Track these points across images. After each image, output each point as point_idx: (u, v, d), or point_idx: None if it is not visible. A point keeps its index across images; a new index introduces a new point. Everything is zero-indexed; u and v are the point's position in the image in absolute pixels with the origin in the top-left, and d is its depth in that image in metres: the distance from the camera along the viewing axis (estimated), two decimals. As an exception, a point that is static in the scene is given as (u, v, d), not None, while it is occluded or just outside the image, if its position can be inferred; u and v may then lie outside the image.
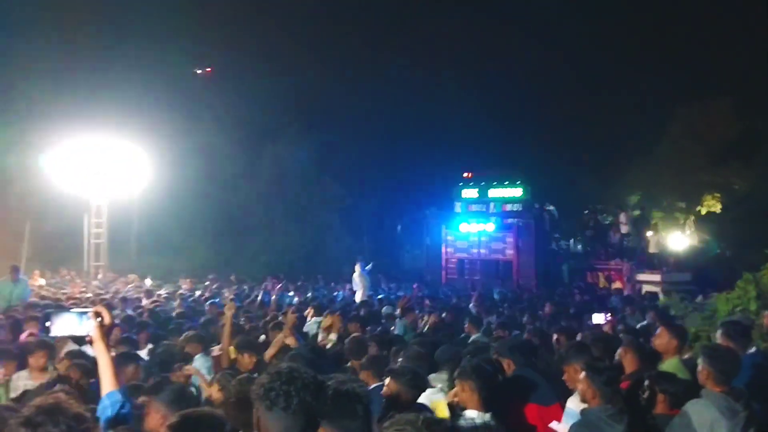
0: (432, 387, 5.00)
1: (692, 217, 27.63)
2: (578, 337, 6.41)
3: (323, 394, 2.63)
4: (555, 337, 6.76)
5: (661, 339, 5.28)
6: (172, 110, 29.45)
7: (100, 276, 20.57)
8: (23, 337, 7.28)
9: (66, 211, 22.84)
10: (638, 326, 8.89)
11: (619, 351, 5.19)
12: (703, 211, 27.99)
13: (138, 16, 30.71)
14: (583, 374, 4.27)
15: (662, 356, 5.24)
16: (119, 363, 5.73)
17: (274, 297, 12.50)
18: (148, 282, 18.28)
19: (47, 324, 3.30)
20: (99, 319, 3.16)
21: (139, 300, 12.80)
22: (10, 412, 3.19)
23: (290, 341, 6.56)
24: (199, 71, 25.39)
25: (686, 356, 5.48)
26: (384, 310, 11.10)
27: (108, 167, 20.51)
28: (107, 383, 3.14)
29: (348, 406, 2.81)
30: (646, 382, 4.52)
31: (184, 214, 28.84)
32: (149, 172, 22.73)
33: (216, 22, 32.23)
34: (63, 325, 3.28)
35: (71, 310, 3.69)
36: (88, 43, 28.21)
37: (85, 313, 3.24)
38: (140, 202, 25.85)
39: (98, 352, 3.16)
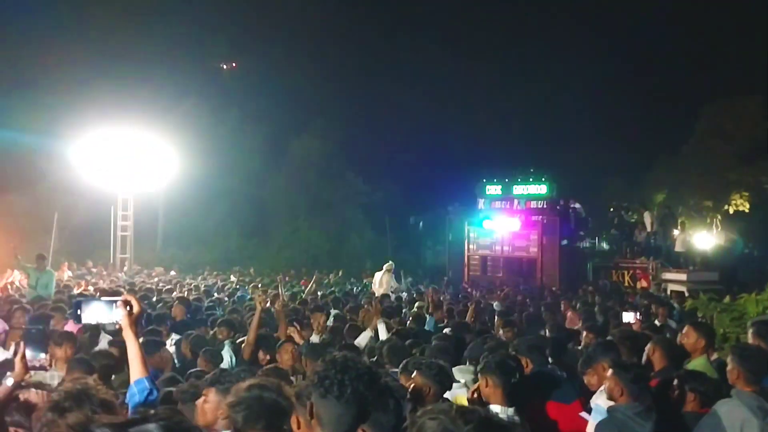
0: (456, 382, 5.02)
1: (719, 216, 27.29)
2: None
3: (376, 385, 2.65)
4: (584, 334, 6.72)
5: (689, 338, 5.23)
6: (199, 105, 29.71)
7: (125, 268, 20.81)
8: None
9: (93, 204, 23.16)
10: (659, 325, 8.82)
11: (648, 348, 5.15)
12: (731, 210, 27.60)
13: (167, 11, 31.00)
14: (610, 372, 4.24)
15: (689, 355, 5.19)
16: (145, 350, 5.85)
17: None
18: (173, 274, 18.46)
19: (78, 312, 3.32)
20: (128, 307, 3.21)
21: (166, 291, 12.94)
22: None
23: (297, 337, 6.60)
24: (225, 66, 25.58)
25: (714, 357, 5.42)
26: (417, 305, 11.08)
27: (135, 161, 20.72)
28: (136, 371, 3.18)
29: (380, 399, 2.82)
30: (676, 381, 4.48)
31: (209, 207, 29.13)
32: (175, 166, 22.93)
33: (243, 18, 32.42)
34: (93, 314, 3.33)
35: (101, 298, 3.73)
36: (117, 38, 28.53)
37: (115, 301, 3.29)
38: (166, 195, 26.12)
39: (128, 339, 3.21)
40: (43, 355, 3.52)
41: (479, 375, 4.42)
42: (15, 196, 24.04)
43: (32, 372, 3.43)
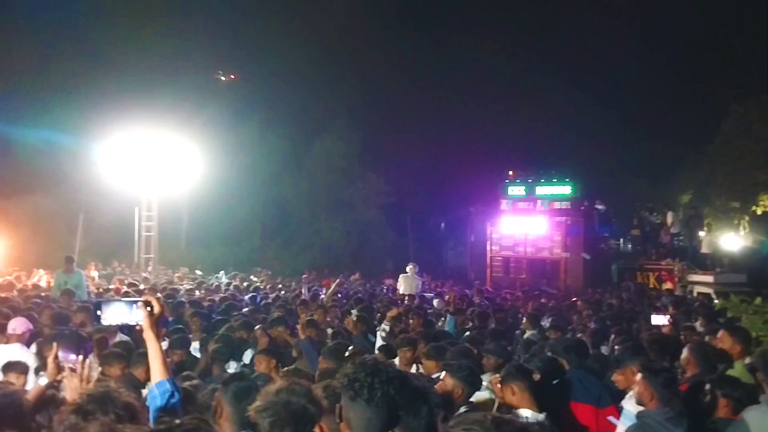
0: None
1: (747, 217, 26.89)
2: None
3: (406, 389, 2.61)
4: (612, 337, 6.64)
5: (724, 343, 5.12)
6: (222, 107, 29.90)
7: (150, 268, 20.97)
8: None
9: (118, 204, 23.35)
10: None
11: (684, 353, 5.03)
12: (759, 211, 27.16)
13: (192, 14, 31.23)
14: (639, 376, 4.16)
15: (723, 360, 5.07)
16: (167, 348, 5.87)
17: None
18: (198, 273, 18.57)
19: (98, 313, 3.31)
20: (149, 308, 3.19)
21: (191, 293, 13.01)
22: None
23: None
24: (223, 78, 25.74)
25: (747, 361, 5.30)
26: (436, 303, 11.03)
27: (160, 162, 20.86)
28: (157, 372, 3.15)
29: (413, 403, 2.78)
30: (707, 386, 4.38)
31: (232, 208, 29.30)
32: (199, 168, 23.07)
33: (265, 22, 32.54)
34: (114, 315, 3.32)
35: (121, 299, 3.73)
36: (142, 42, 28.78)
37: (136, 302, 3.27)
38: (190, 196, 26.29)
39: (148, 340, 3.19)
40: (73, 357, 3.52)
41: (502, 386, 4.35)
42: (41, 196, 24.38)
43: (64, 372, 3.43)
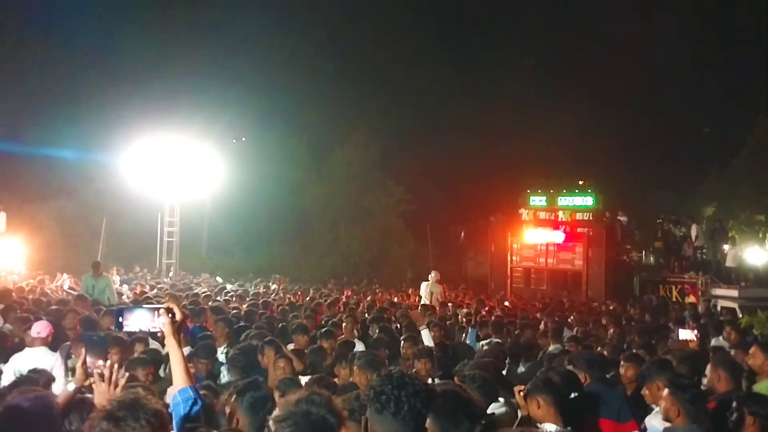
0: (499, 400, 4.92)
1: (772, 231, 26.54)
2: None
3: (433, 402, 2.60)
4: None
5: (756, 359, 5.02)
6: (244, 115, 30.13)
7: (171, 274, 21.12)
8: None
9: (141, 210, 23.59)
10: (713, 342, 8.56)
11: (709, 369, 4.94)
12: (785, 225, 26.80)
13: (216, 21, 31.56)
14: (666, 391, 4.09)
15: (756, 377, 4.98)
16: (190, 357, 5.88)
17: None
18: (219, 280, 18.66)
19: (120, 320, 3.30)
20: (171, 315, 3.18)
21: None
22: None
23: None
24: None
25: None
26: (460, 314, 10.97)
27: (182, 169, 21.05)
28: (180, 379, 3.14)
29: (454, 414, 2.78)
30: (735, 404, 4.30)
31: (253, 215, 29.47)
32: (221, 175, 23.24)
33: (287, 31, 32.78)
34: (136, 321, 3.31)
35: (144, 306, 3.73)
36: (165, 51, 29.11)
37: (158, 309, 3.27)
38: (212, 203, 26.48)
39: (170, 348, 3.18)
40: (101, 362, 3.53)
41: (527, 399, 4.30)
42: (64, 201, 24.69)
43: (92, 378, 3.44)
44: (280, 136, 30.99)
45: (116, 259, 21.25)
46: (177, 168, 20.92)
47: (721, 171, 28.63)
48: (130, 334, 5.63)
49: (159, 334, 3.43)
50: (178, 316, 3.20)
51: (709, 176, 29.02)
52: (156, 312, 3.29)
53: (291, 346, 7.15)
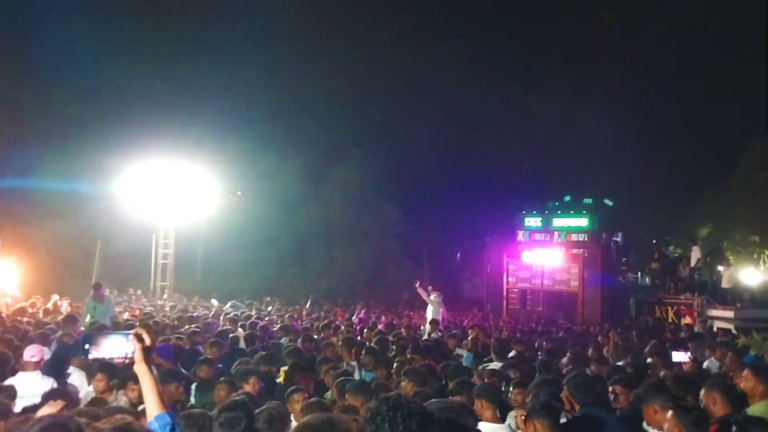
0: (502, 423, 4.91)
1: (766, 252, 26.55)
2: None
3: (429, 424, 2.61)
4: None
5: (747, 382, 5.01)
6: (239, 137, 30.21)
7: (165, 296, 21.03)
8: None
9: (135, 232, 23.55)
10: (705, 364, 8.53)
11: (703, 392, 4.91)
12: (779, 246, 26.83)
13: (207, 39, 31.72)
14: (670, 413, 4.07)
15: (749, 400, 4.96)
16: (163, 380, 5.82)
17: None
18: (214, 302, 18.60)
19: (86, 346, 3.18)
20: (140, 340, 3.12)
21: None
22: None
23: None
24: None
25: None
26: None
27: (177, 191, 21.06)
28: (153, 406, 3.07)
29: None
30: (734, 428, 4.27)
31: (248, 236, 29.41)
32: (216, 196, 23.24)
33: (282, 52, 32.97)
34: (104, 348, 3.21)
35: (114, 331, 3.65)
36: (157, 74, 29.25)
37: (128, 334, 3.19)
38: (207, 224, 26.45)
39: (141, 374, 3.10)
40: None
41: (525, 420, 4.30)
42: (59, 223, 24.63)
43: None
44: (275, 157, 31.06)
45: (111, 282, 21.10)
46: (172, 191, 20.94)
47: (715, 192, 28.71)
48: (95, 361, 5.59)
49: (128, 361, 3.33)
50: (148, 342, 3.14)
51: (704, 197, 29.11)
52: (126, 337, 3.19)
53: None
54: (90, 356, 3.22)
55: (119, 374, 5.89)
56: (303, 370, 7.21)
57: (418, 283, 17.35)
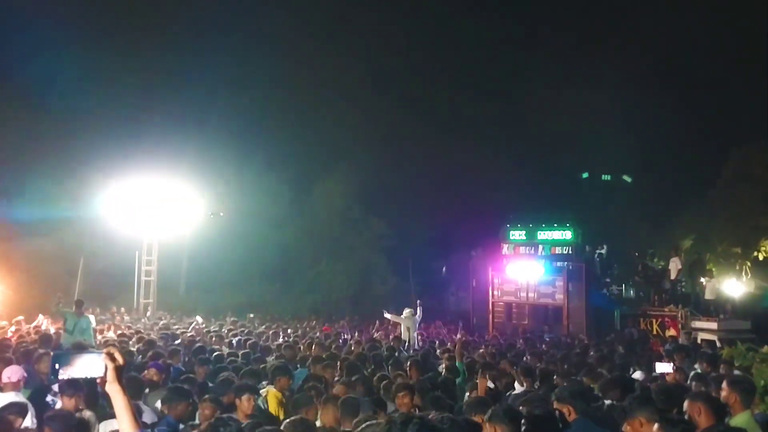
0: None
1: (749, 263, 26.79)
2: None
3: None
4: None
5: (726, 394, 5.05)
6: (223, 151, 30.12)
7: (149, 313, 20.84)
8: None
9: (118, 248, 23.34)
10: (691, 375, 8.55)
11: (687, 403, 4.92)
12: (761, 257, 27.08)
13: (191, 57, 31.69)
14: (656, 426, 4.07)
15: (730, 411, 4.98)
16: (172, 398, 5.77)
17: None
18: (199, 319, 18.45)
19: (56, 366, 3.06)
20: (112, 360, 3.05)
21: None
22: None
23: None
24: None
25: (757, 411, 5.20)
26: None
27: (160, 207, 20.92)
28: (128, 426, 2.99)
29: None
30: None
31: (233, 252, 29.25)
32: (200, 212, 23.12)
33: (268, 68, 33.01)
34: (74, 368, 3.13)
35: (86, 350, 3.56)
36: (141, 89, 29.19)
37: (100, 353, 3.12)
38: (190, 240, 26.26)
39: (113, 394, 3.00)
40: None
41: (488, 423, 4.30)
42: (41, 240, 24.35)
43: None
44: (259, 172, 30.99)
45: (93, 299, 20.91)
46: (155, 206, 20.80)
47: (698, 204, 28.97)
48: (68, 381, 5.54)
49: (99, 380, 3.23)
50: (120, 361, 3.08)
51: (687, 209, 29.35)
52: (98, 357, 3.12)
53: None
54: (60, 376, 3.13)
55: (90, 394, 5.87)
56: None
57: (385, 312, 17.12)
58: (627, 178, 23.57)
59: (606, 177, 23.42)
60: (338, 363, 8.51)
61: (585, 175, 23.86)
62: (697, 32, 31.32)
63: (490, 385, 7.23)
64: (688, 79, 32.37)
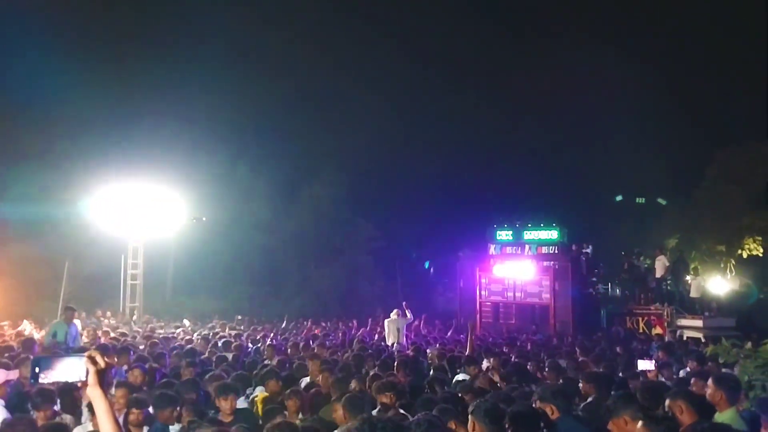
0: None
1: (733, 261, 27.05)
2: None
3: None
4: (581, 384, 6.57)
5: (709, 390, 5.10)
6: (210, 154, 30.00)
7: (135, 317, 20.71)
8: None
9: (104, 252, 23.19)
10: (680, 374, 8.63)
11: (668, 402, 4.95)
12: (744, 255, 27.34)
13: (179, 61, 31.56)
14: (640, 424, 4.09)
15: (716, 407, 5.03)
16: (158, 404, 5.75)
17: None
18: (186, 323, 18.36)
19: (36, 370, 3.00)
20: (94, 363, 3.02)
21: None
22: None
23: None
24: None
25: (742, 407, 5.24)
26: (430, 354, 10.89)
27: (146, 210, 20.79)
28: (109, 430, 2.96)
29: None
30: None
31: (219, 255, 29.14)
32: (186, 215, 23.00)
33: (254, 68, 32.94)
34: (56, 372, 3.09)
35: (67, 354, 3.52)
36: (129, 93, 29.02)
37: (82, 356, 3.08)
38: (177, 243, 26.12)
39: (94, 398, 2.96)
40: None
41: (470, 415, 4.33)
42: (26, 244, 24.15)
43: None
44: (247, 174, 30.90)
45: (79, 303, 20.73)
46: (141, 209, 20.67)
47: (682, 203, 29.20)
48: (40, 392, 5.53)
49: (79, 384, 3.19)
50: (102, 365, 3.04)
51: (672, 208, 29.56)
52: (80, 360, 3.07)
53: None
54: (40, 380, 3.09)
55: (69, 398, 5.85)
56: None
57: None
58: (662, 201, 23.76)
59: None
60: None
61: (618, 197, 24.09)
62: (682, 33, 31.69)
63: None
64: (670, 82, 32.64)
